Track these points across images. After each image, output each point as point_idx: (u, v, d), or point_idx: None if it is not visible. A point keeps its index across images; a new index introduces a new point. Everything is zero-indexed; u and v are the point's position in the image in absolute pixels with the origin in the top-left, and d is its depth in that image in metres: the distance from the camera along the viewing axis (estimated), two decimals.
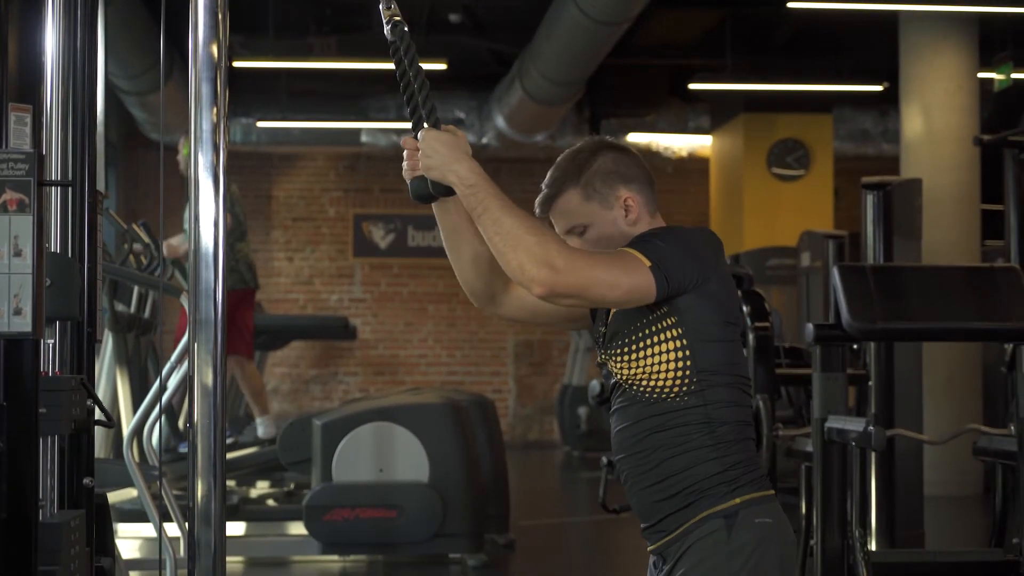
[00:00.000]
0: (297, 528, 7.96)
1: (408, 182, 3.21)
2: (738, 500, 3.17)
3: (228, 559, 3.42)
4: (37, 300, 3.00)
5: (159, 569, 4.10)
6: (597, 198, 3.28)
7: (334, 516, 7.54)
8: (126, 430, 7.41)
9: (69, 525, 3.31)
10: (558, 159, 3.36)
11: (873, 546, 7.41)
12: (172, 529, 6.84)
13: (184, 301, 6.84)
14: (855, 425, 5.90)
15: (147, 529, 7.86)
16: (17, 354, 2.99)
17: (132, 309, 9.14)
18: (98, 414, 3.63)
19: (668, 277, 3.07)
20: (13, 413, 2.99)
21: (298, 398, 17.47)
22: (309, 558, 7.80)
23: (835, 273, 6.24)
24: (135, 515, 7.92)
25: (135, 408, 8.35)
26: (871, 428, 5.70)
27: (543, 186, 3.33)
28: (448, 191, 3.12)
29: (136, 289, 9.03)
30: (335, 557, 7.80)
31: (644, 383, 3.18)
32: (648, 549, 3.33)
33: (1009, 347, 6.93)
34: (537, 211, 3.34)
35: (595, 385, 6.77)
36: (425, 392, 8.99)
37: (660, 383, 3.15)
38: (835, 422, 6.10)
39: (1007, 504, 6.85)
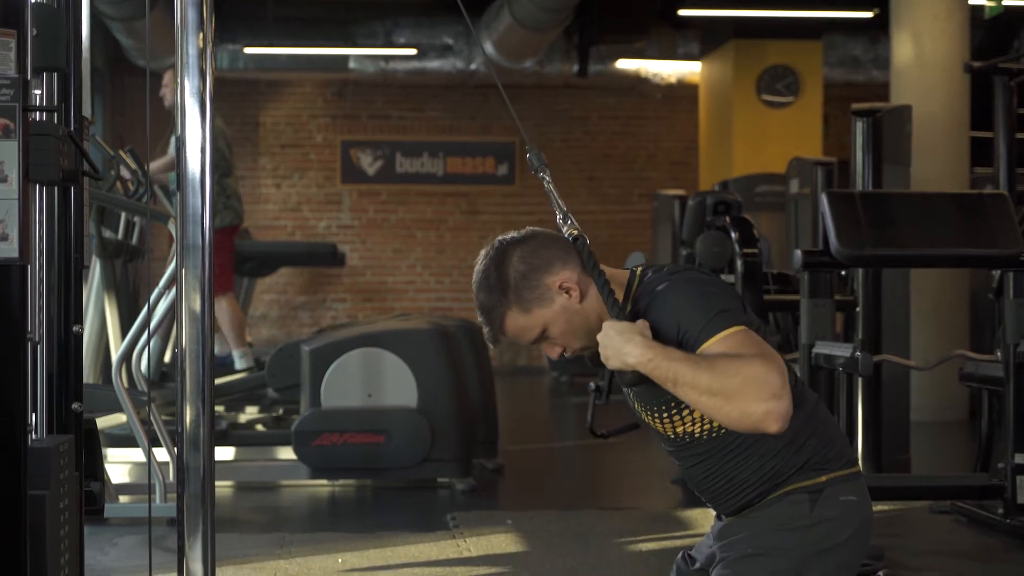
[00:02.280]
0: (286, 453, 7.99)
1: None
2: (824, 478, 3.19)
3: (217, 483, 3.43)
4: (23, 226, 2.99)
5: (148, 493, 4.11)
6: (535, 303, 3.22)
7: (323, 441, 7.57)
8: (115, 356, 7.42)
9: (58, 450, 3.32)
10: (475, 288, 3.28)
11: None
12: (161, 454, 6.87)
13: (171, 227, 6.83)
14: (842, 351, 5.92)
15: (136, 454, 7.88)
16: (3, 280, 2.99)
17: (119, 235, 9.12)
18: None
19: (750, 322, 3.10)
20: (1, 339, 2.98)
21: (287, 324, 17.48)
22: (298, 482, 7.83)
23: (824, 200, 6.24)
24: (124, 440, 7.94)
25: (123, 334, 8.35)
26: (858, 354, 5.72)
27: (481, 322, 3.28)
28: (636, 379, 3.09)
29: (123, 215, 9.00)
30: (324, 482, 7.84)
31: (698, 430, 3.18)
32: (712, 532, 3.35)
33: (997, 273, 6.95)
34: (491, 345, 3.33)
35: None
36: (413, 318, 9.00)
37: (714, 423, 3.15)
38: (822, 348, 6.12)
39: (993, 429, 6.89)
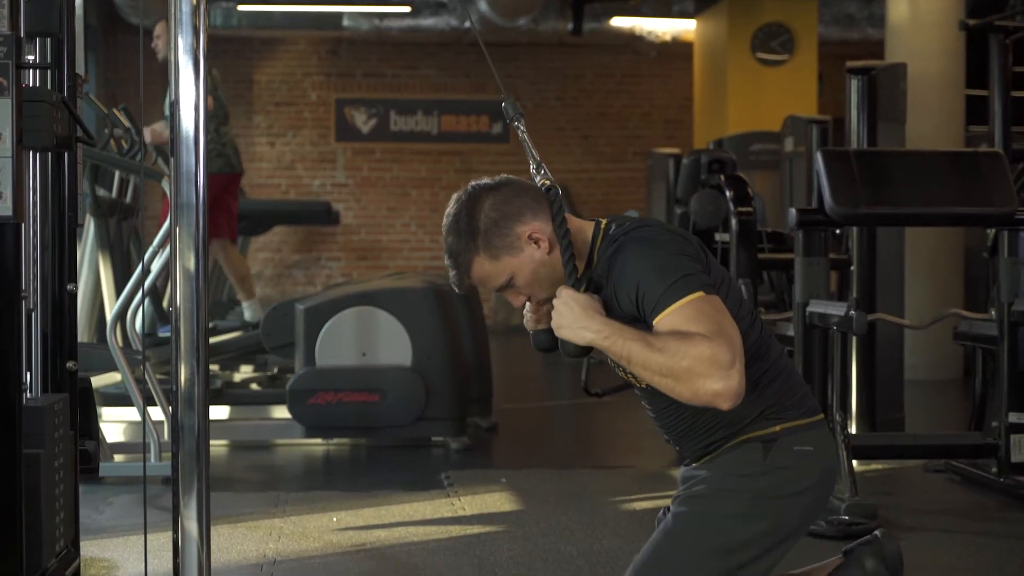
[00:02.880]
0: (280, 412, 7.99)
1: (534, 334, 3.34)
2: (779, 427, 3.26)
3: (212, 442, 3.43)
4: (18, 184, 2.98)
5: (143, 452, 4.11)
6: (503, 251, 3.27)
7: (317, 400, 7.57)
8: (109, 315, 7.41)
9: (53, 408, 3.32)
10: (444, 231, 3.31)
11: (853, 430, 7.47)
12: (156, 413, 6.87)
13: (166, 186, 6.82)
14: (837, 309, 5.92)
15: (131, 413, 7.89)
16: None
17: (114, 194, 9.10)
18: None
19: (709, 283, 3.13)
20: None
21: (281, 283, 17.48)
22: (292, 441, 7.84)
23: (818, 158, 6.23)
24: (119, 399, 7.94)
25: (118, 293, 8.35)
26: (852, 312, 5.72)
27: (447, 264, 3.32)
28: (579, 351, 3.18)
29: (117, 174, 8.98)
30: (318, 440, 7.84)
31: None
32: (678, 477, 3.42)
33: (991, 232, 6.95)
34: (456, 290, 3.36)
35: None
36: (408, 277, 8.99)
37: None
38: (817, 306, 6.12)
39: (986, 388, 6.90)
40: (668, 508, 3.47)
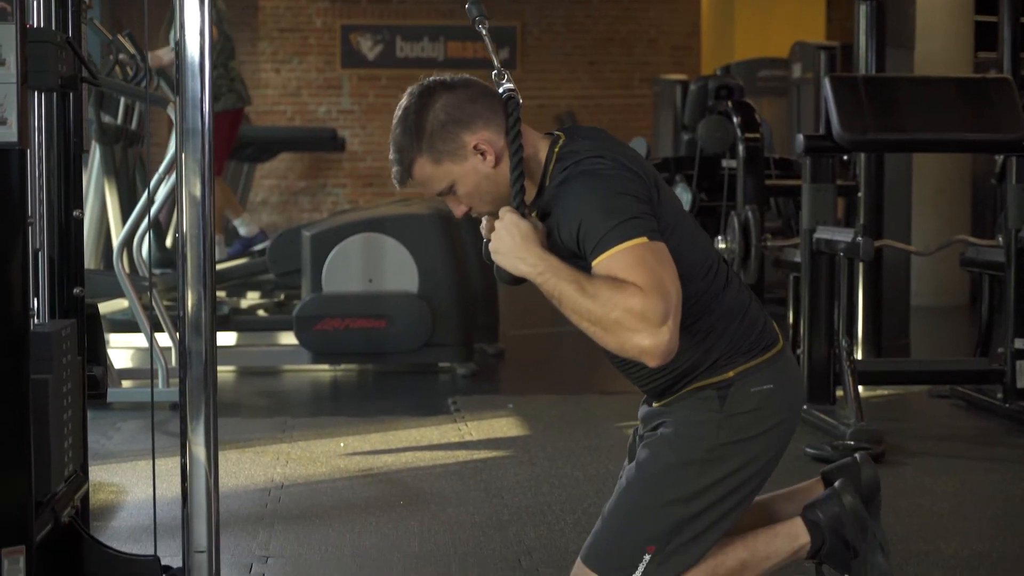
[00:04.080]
0: (288, 338, 8.01)
1: (484, 244, 3.16)
2: (731, 373, 3.15)
3: (219, 368, 3.44)
4: (22, 109, 2.97)
5: (151, 378, 4.13)
6: (447, 157, 3.10)
7: (324, 326, 7.59)
8: (115, 242, 7.41)
9: (60, 334, 3.33)
10: (393, 124, 3.14)
11: (859, 355, 7.49)
12: (163, 339, 6.89)
13: (171, 112, 6.80)
14: (843, 236, 5.92)
15: (138, 339, 7.91)
16: (3, 164, 2.97)
17: (119, 121, 9.08)
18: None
19: (655, 228, 2.98)
20: (1, 224, 2.97)
21: (287, 210, 17.47)
22: (300, 367, 7.86)
23: (826, 84, 6.21)
24: (126, 325, 7.96)
25: (124, 220, 8.35)
26: (859, 239, 5.72)
27: (391, 158, 3.15)
28: (513, 280, 3.08)
29: (122, 101, 8.96)
30: (325, 367, 7.87)
31: None
32: (639, 415, 3.34)
33: (999, 158, 6.93)
34: (397, 186, 3.19)
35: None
36: (414, 203, 8.98)
37: None
38: (823, 233, 6.12)
39: (992, 314, 6.91)
40: (637, 434, 3.39)
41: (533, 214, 3.10)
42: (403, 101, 3.14)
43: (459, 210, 3.19)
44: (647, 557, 3.12)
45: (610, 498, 3.24)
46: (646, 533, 3.13)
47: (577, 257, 3.01)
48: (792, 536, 3.26)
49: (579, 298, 2.93)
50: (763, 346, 3.19)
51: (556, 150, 3.11)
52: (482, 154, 3.09)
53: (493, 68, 3.19)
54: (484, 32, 3.24)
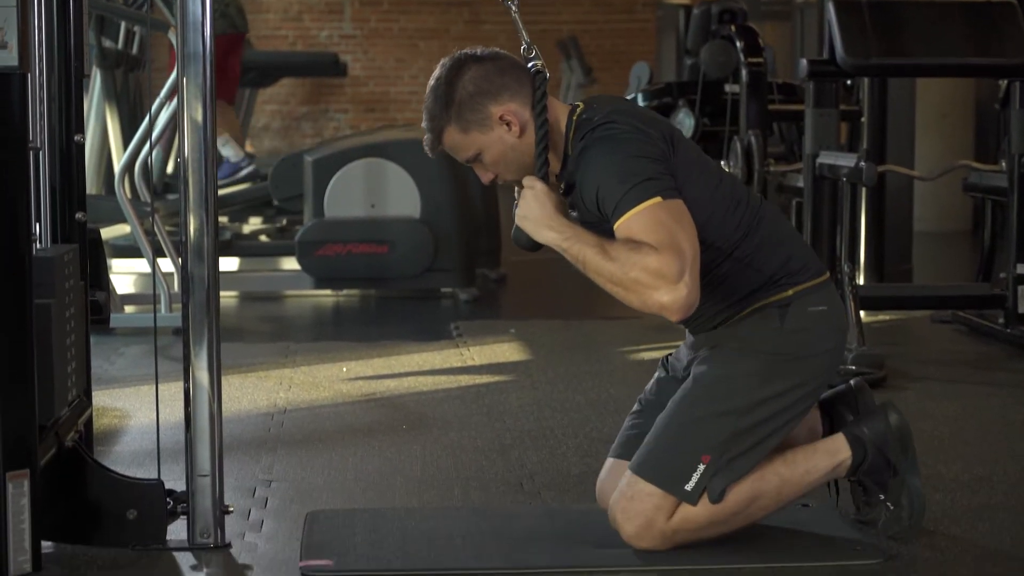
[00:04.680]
0: (290, 263, 8.01)
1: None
2: (791, 291, 3.29)
3: (221, 293, 3.45)
4: (22, 33, 2.96)
5: (153, 303, 4.14)
6: (474, 127, 3.28)
7: (326, 251, 7.58)
8: (117, 167, 7.40)
9: (63, 259, 3.33)
10: (427, 94, 3.34)
11: (861, 281, 7.48)
12: (166, 264, 6.89)
13: (172, 36, 6.77)
14: (846, 161, 5.91)
15: (141, 265, 7.91)
16: (4, 88, 2.97)
17: (120, 45, 9.04)
18: None
19: (670, 186, 3.14)
20: (3, 148, 2.97)
21: (289, 135, 17.42)
22: (302, 292, 7.87)
23: (830, 8, 6.17)
24: (129, 251, 7.96)
25: (126, 145, 8.33)
26: (862, 163, 5.71)
27: (424, 126, 3.34)
28: (531, 244, 3.27)
29: (123, 25, 8.91)
30: (328, 292, 7.88)
31: None
32: (687, 344, 3.45)
33: (1003, 83, 6.90)
34: (428, 153, 3.40)
35: None
36: (416, 128, 8.96)
37: None
38: (826, 158, 6.10)
39: (995, 239, 6.90)
40: (670, 355, 3.55)
41: (561, 185, 3.29)
42: (436, 72, 3.34)
43: (486, 177, 3.40)
44: (702, 467, 3.23)
45: (663, 412, 3.33)
46: (702, 443, 3.23)
47: (603, 221, 3.18)
48: (832, 451, 3.36)
49: (601, 261, 3.10)
50: (816, 270, 3.35)
51: (575, 118, 3.29)
52: (507, 124, 3.28)
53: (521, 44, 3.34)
54: (514, 10, 3.40)
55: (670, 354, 3.56)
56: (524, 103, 3.28)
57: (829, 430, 3.47)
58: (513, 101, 3.28)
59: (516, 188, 3.36)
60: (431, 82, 3.33)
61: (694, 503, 3.22)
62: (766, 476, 3.27)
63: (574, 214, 3.26)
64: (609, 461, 3.51)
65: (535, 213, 3.21)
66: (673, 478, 3.23)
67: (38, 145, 3.43)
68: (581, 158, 3.21)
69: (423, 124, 3.34)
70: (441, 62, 3.34)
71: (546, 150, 3.27)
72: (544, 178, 3.25)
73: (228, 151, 10.03)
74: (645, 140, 3.19)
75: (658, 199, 3.09)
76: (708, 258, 3.18)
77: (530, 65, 3.32)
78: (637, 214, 3.08)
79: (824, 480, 3.38)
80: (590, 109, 3.29)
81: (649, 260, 3.03)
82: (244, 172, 9.77)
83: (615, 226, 3.12)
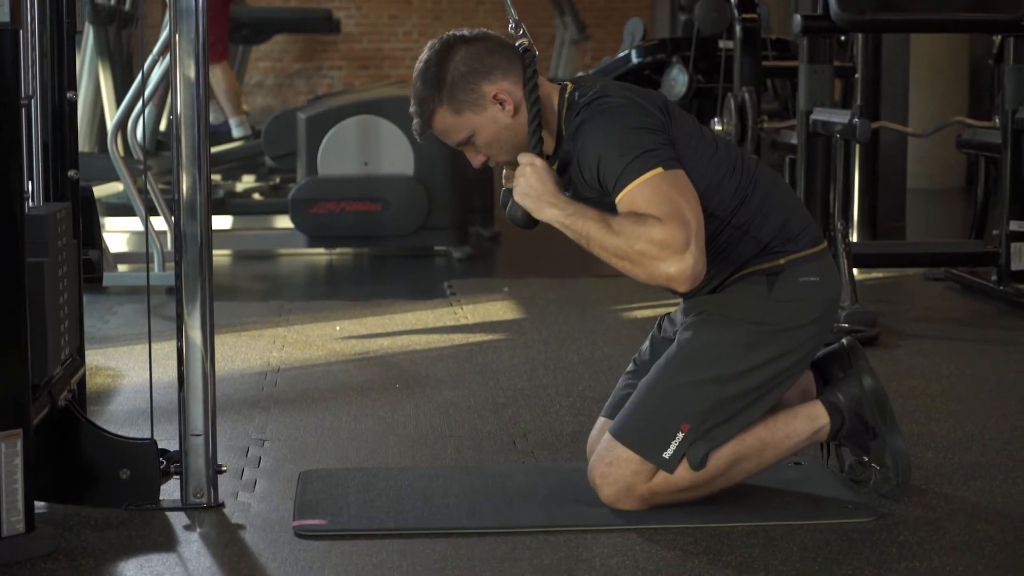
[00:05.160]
0: (283, 222, 8.00)
1: (504, 191, 3.34)
2: (783, 260, 3.28)
3: (214, 252, 3.44)
4: None
5: (146, 262, 4.13)
6: (467, 107, 3.25)
7: (320, 209, 7.58)
8: (109, 125, 7.38)
9: (55, 217, 3.32)
10: (414, 77, 3.30)
11: (855, 237, 7.49)
12: (158, 223, 6.88)
13: None
14: (840, 117, 5.90)
15: (134, 223, 7.90)
16: None
17: (112, 1, 9.01)
18: None
19: (671, 156, 3.13)
20: None
21: (282, 92, 17.37)
22: (295, 251, 7.87)
23: None
24: (122, 209, 7.95)
25: (118, 102, 8.31)
26: (856, 120, 5.70)
27: (412, 111, 3.31)
28: (528, 221, 3.24)
29: None
30: (321, 250, 7.87)
31: None
32: (681, 307, 3.44)
33: (998, 39, 6.89)
34: (418, 139, 3.37)
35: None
36: (410, 85, 8.94)
37: None
38: (820, 114, 6.10)
39: (988, 196, 6.90)
40: (666, 316, 3.53)
41: (554, 165, 3.26)
42: (423, 55, 3.29)
43: (477, 160, 3.36)
44: (680, 435, 3.23)
45: (646, 377, 3.33)
46: (683, 411, 3.23)
47: (604, 195, 3.16)
48: (812, 417, 3.36)
49: (605, 235, 3.09)
50: (811, 239, 3.33)
51: (566, 96, 3.27)
52: (501, 103, 3.25)
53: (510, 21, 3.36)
54: None
55: (668, 314, 3.55)
56: (516, 82, 3.25)
57: (823, 390, 3.47)
58: (505, 80, 3.24)
59: (504, 170, 3.35)
60: (418, 65, 3.29)
61: (671, 471, 3.22)
62: (747, 440, 3.27)
63: (567, 193, 3.23)
64: (600, 420, 3.52)
65: (536, 190, 3.18)
66: (651, 445, 3.23)
67: (30, 93, 3.40)
68: (578, 133, 3.19)
69: (411, 109, 3.30)
70: (429, 44, 3.30)
71: (540, 128, 3.24)
72: (539, 156, 3.23)
73: (237, 130, 10.02)
74: (642, 111, 3.17)
75: (659, 170, 3.08)
76: (710, 228, 3.16)
77: (517, 44, 3.30)
78: (639, 186, 3.07)
79: (806, 444, 3.38)
80: (580, 87, 3.27)
81: (654, 232, 3.02)
82: (231, 134, 9.76)
83: (617, 199, 3.11)
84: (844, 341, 3.49)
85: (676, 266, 3.03)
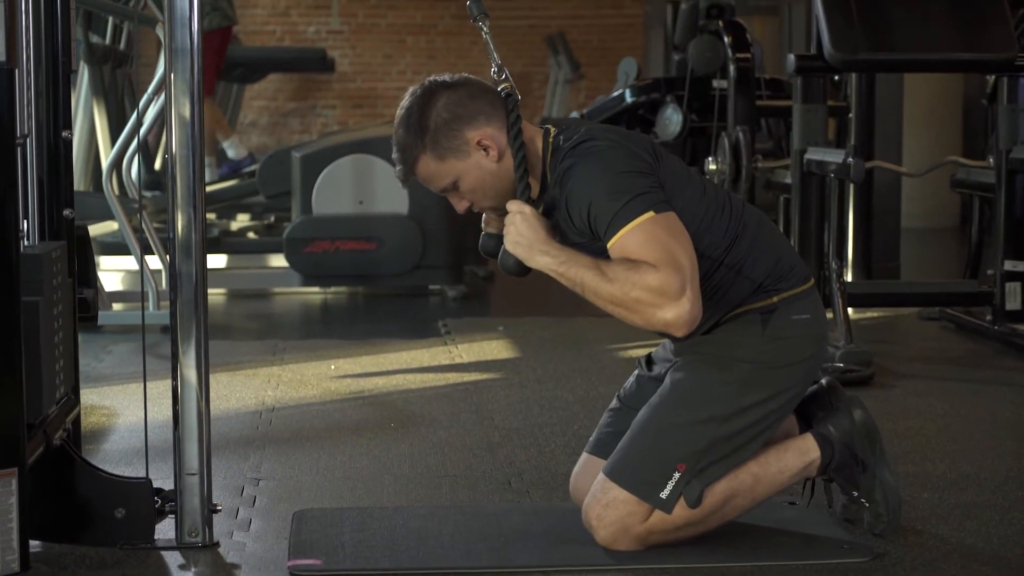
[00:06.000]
0: (278, 260, 8.01)
1: (484, 236, 3.34)
2: (776, 299, 3.27)
3: (209, 291, 3.44)
4: (10, 28, 2.95)
5: (141, 301, 4.12)
6: (451, 154, 3.22)
7: (314, 248, 7.58)
8: (105, 163, 7.38)
9: (51, 256, 3.32)
10: (395, 124, 3.26)
11: (849, 277, 7.49)
12: (153, 262, 6.88)
13: (159, 31, 6.75)
14: (834, 157, 5.91)
15: (129, 262, 7.90)
16: None
17: (107, 41, 9.03)
18: None
19: (661, 199, 3.12)
20: None
21: (277, 131, 17.40)
22: (290, 290, 7.86)
23: (818, 2, 6.17)
24: (117, 248, 7.95)
25: (113, 141, 8.31)
26: (850, 160, 5.70)
27: (394, 157, 3.27)
28: (519, 269, 3.22)
29: (111, 20, 8.90)
30: (316, 289, 7.87)
31: None
32: (666, 344, 3.43)
33: (991, 79, 6.91)
34: (401, 185, 3.37)
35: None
36: None
37: None
38: (814, 154, 6.11)
39: (983, 236, 6.91)
40: (647, 356, 3.53)
41: (539, 209, 3.23)
42: (404, 102, 3.26)
43: (461, 205, 3.33)
44: (677, 475, 3.21)
45: (638, 416, 3.31)
46: (679, 451, 3.22)
47: (594, 240, 3.14)
48: (803, 451, 3.35)
49: (600, 283, 3.07)
50: (800, 276, 3.33)
51: (551, 140, 3.25)
52: (485, 149, 3.22)
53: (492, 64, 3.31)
54: (485, 30, 3.35)
55: (651, 352, 3.54)
56: (499, 127, 3.22)
57: (813, 424, 3.47)
58: (489, 125, 3.22)
59: (484, 216, 3.33)
60: (400, 112, 3.25)
61: (669, 511, 3.20)
62: (740, 476, 3.26)
63: (556, 238, 3.22)
64: (584, 456, 3.51)
65: (527, 238, 3.16)
66: (648, 486, 3.21)
67: (26, 132, 3.40)
68: (565, 177, 3.16)
69: (393, 156, 3.27)
70: (410, 91, 3.27)
71: (526, 173, 3.21)
72: (528, 202, 3.20)
73: (232, 151, 10.04)
74: (630, 154, 3.16)
75: (651, 213, 3.06)
76: (702, 268, 3.15)
77: (500, 88, 3.27)
78: (632, 231, 3.05)
79: (797, 479, 3.37)
80: (564, 131, 3.25)
81: (649, 278, 3.02)
82: (248, 169, 9.78)
83: (609, 244, 3.09)
84: (824, 381, 3.48)
85: (673, 312, 3.02)
